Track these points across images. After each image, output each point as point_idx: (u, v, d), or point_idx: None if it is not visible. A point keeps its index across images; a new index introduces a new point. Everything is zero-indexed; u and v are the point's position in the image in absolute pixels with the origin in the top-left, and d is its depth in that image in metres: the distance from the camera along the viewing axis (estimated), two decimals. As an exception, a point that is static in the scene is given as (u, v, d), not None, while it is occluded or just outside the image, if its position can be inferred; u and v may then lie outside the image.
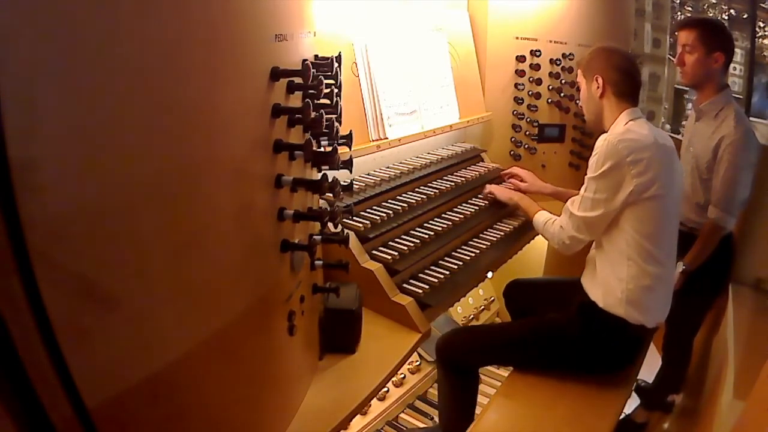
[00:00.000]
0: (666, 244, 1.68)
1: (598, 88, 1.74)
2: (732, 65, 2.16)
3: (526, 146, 2.56)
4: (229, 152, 0.83)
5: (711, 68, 2.05)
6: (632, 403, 2.26)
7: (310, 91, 1.03)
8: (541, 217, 1.88)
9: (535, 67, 2.49)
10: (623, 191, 1.57)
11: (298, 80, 1.01)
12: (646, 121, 1.71)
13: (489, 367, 2.56)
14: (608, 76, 1.73)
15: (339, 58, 1.19)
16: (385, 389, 2.21)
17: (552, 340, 1.73)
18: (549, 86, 2.57)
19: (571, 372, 1.72)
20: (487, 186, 2.14)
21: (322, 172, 1.17)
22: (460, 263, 1.75)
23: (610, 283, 1.66)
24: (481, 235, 1.99)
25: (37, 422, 0.58)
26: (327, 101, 1.13)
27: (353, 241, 1.53)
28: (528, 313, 1.95)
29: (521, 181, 2.24)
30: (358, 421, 2.02)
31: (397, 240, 1.68)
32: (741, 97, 3.53)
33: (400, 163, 2.02)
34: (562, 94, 2.59)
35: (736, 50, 2.22)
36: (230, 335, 0.88)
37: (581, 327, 1.70)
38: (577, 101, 2.64)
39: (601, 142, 1.62)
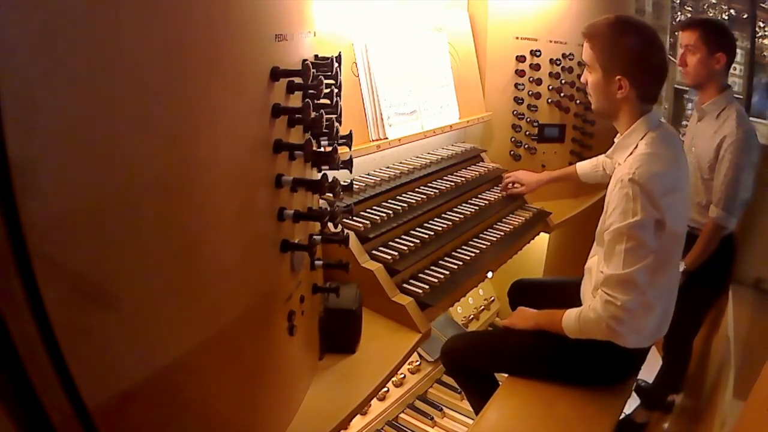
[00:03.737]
0: (672, 261, 1.52)
1: (620, 89, 1.45)
2: (732, 65, 2.15)
3: (526, 146, 2.56)
4: (229, 152, 0.83)
5: (713, 69, 2.05)
6: (632, 403, 2.26)
7: (310, 91, 1.03)
8: (570, 316, 1.54)
9: (535, 67, 2.49)
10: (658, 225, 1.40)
11: (298, 80, 1.01)
12: (661, 126, 1.51)
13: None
14: (636, 79, 1.43)
15: (339, 58, 1.19)
16: (385, 389, 2.21)
17: (555, 351, 1.62)
18: (549, 86, 2.56)
19: (574, 384, 1.64)
20: (503, 322, 1.80)
21: (322, 172, 1.17)
22: (460, 263, 1.75)
23: None
24: (481, 235, 1.99)
25: (37, 422, 0.58)
26: (327, 101, 1.13)
27: (353, 241, 1.53)
28: None
29: (520, 186, 2.24)
30: (358, 421, 2.02)
31: (397, 240, 1.68)
32: (741, 97, 3.53)
33: (400, 163, 2.02)
34: (562, 94, 2.58)
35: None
36: (230, 335, 0.88)
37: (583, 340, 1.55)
38: (578, 101, 2.64)
39: (624, 182, 1.38)
